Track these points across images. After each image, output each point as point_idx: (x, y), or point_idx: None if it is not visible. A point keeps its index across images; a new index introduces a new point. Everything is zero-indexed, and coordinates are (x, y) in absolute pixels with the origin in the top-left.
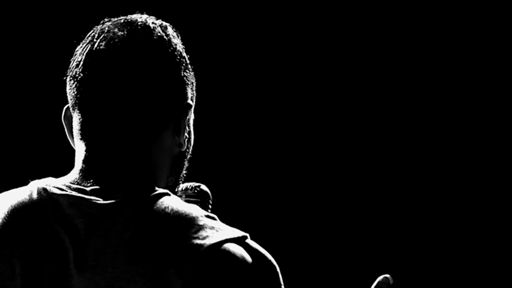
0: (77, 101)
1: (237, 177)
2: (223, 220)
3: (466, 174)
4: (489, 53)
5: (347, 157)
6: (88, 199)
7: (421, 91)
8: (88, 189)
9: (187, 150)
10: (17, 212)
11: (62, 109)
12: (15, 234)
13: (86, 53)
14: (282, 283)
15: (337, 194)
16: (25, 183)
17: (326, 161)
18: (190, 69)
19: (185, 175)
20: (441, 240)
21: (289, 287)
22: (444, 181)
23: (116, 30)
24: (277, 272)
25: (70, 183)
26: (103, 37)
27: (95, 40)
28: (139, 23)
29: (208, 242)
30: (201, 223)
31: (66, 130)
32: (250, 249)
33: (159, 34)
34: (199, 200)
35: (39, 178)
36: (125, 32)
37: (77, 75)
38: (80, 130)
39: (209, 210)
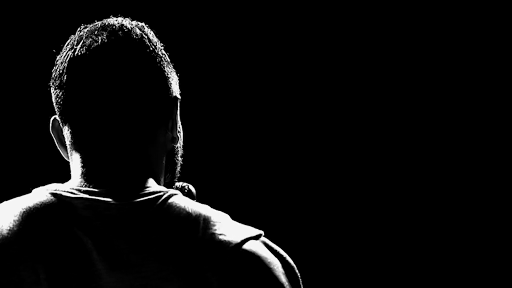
0: (66, 110)
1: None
2: None
3: (466, 174)
4: (489, 53)
5: (347, 156)
6: (104, 201)
7: (421, 91)
8: (99, 191)
9: (179, 145)
10: (32, 217)
11: (48, 121)
12: (35, 239)
13: (68, 61)
14: (300, 277)
15: (337, 193)
16: (20, 189)
17: (326, 161)
18: (171, 66)
19: (180, 172)
20: (441, 240)
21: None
22: (444, 181)
23: (95, 35)
24: (295, 268)
25: (78, 187)
26: (83, 43)
27: (75, 47)
28: (116, 26)
29: (234, 239)
30: (220, 221)
31: (55, 141)
32: (268, 247)
33: (138, 34)
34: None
35: (32, 185)
36: (105, 36)
37: (62, 84)
38: (74, 137)
39: None
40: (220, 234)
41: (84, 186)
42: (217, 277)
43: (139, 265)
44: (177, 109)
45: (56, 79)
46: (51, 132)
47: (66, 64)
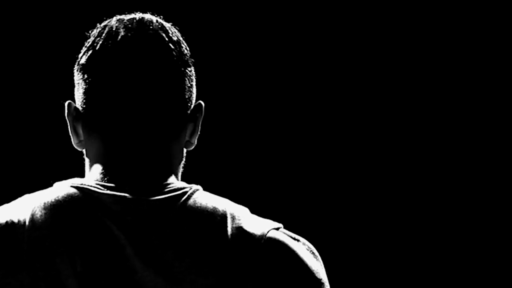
0: (90, 100)
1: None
2: None
3: (466, 174)
4: (489, 53)
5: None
6: (132, 197)
7: (420, 91)
8: (124, 186)
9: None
10: (63, 211)
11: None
12: (68, 233)
13: (99, 50)
14: (321, 260)
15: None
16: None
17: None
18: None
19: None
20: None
21: None
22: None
23: (127, 29)
24: (316, 252)
25: (101, 182)
26: (113, 36)
27: (104, 39)
28: (148, 23)
29: (260, 231)
30: (244, 215)
31: (69, 127)
32: (289, 235)
33: (169, 35)
34: None
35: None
36: (136, 32)
37: (89, 73)
38: (95, 128)
39: None
40: (247, 227)
41: (107, 181)
42: (250, 267)
43: (173, 261)
44: (201, 115)
45: (84, 67)
46: (66, 117)
47: (96, 53)
